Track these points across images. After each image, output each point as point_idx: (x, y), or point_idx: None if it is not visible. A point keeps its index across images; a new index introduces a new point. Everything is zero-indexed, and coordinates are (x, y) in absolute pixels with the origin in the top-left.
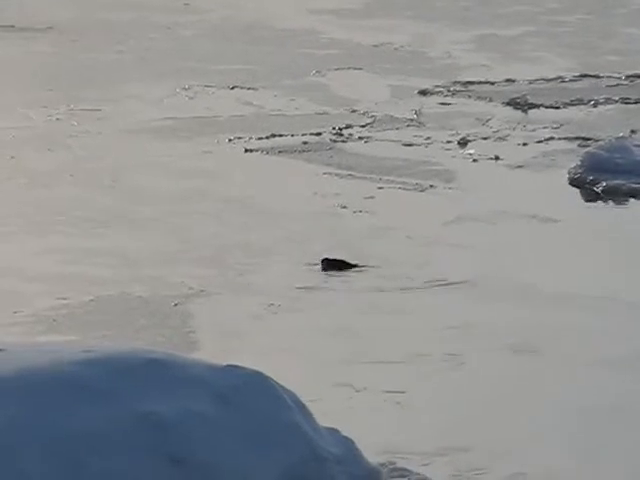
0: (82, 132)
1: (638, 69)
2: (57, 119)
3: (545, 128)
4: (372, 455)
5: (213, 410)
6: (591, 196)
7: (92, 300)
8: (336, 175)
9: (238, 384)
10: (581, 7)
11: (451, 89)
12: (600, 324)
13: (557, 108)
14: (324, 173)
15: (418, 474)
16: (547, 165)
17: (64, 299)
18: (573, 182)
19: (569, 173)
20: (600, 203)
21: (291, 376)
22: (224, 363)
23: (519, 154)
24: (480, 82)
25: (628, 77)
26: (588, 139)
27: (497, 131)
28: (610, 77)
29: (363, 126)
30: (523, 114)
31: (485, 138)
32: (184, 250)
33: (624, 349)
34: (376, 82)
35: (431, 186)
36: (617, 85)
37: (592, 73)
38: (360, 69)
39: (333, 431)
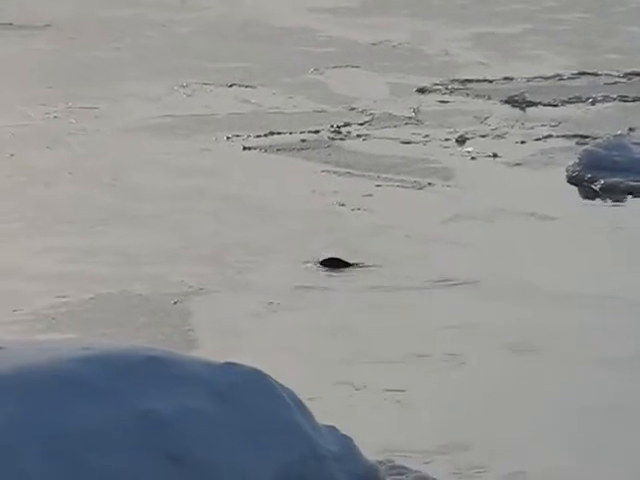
0: (80, 130)
1: (636, 67)
2: (55, 117)
3: (543, 126)
4: (372, 453)
5: (211, 408)
6: (589, 194)
7: (92, 298)
8: (334, 173)
9: (236, 382)
10: (579, 5)
11: (449, 87)
12: (600, 323)
13: (555, 106)
14: (322, 171)
15: (416, 471)
16: (545, 163)
17: (64, 297)
18: (571, 180)
19: (567, 171)
20: (598, 201)
21: (291, 374)
22: (223, 361)
23: (517, 152)
24: (478, 80)
25: (626, 75)
26: (586, 137)
27: (495, 129)
28: (608, 75)
29: (361, 124)
30: (521, 112)
31: (483, 136)
32: (184, 248)
33: (624, 348)
34: (374, 80)
35: (429, 184)
36: (615, 83)
37: (590, 71)
38: (358, 67)
39: (332, 429)
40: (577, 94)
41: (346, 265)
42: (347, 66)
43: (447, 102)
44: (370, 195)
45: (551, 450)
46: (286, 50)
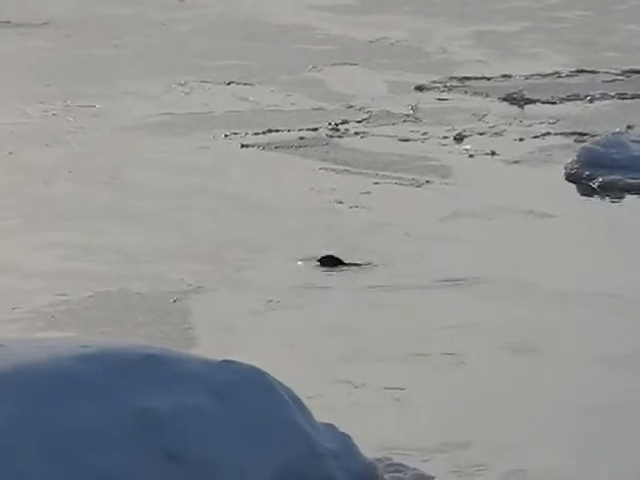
0: (79, 128)
1: (635, 65)
2: (54, 115)
3: (541, 123)
4: (372, 451)
5: (209, 405)
6: (587, 191)
7: (91, 296)
8: (332, 170)
9: (234, 379)
10: (580, 3)
11: (447, 84)
12: (599, 321)
13: (553, 103)
14: (320, 168)
15: (414, 469)
16: (543, 160)
17: (63, 295)
18: (569, 177)
19: (565, 168)
20: (596, 198)
21: (290, 372)
22: (221, 359)
23: (515, 149)
24: (476, 78)
25: (624, 72)
26: (584, 134)
27: (493, 126)
28: (606, 72)
29: (359, 121)
30: (519, 109)
31: (481, 133)
32: (182, 246)
33: (623, 346)
34: (372, 78)
35: (427, 181)
36: (613, 80)
37: (589, 69)
38: (356, 65)
39: (330, 427)
40: (575, 92)
41: (344, 264)
42: (345, 64)
43: (445, 100)
44: (368, 193)
45: (551, 449)
46: (284, 48)
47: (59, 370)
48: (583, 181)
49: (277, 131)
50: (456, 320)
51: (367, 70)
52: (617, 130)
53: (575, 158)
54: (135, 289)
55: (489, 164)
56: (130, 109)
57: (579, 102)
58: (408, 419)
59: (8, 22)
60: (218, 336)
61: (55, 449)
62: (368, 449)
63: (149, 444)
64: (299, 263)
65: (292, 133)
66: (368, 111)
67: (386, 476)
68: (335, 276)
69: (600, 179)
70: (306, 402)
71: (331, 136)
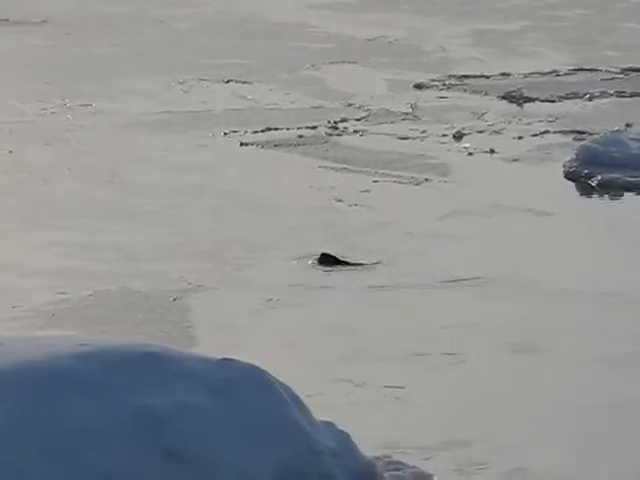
0: (78, 126)
1: (634, 63)
2: (52, 113)
3: (540, 122)
4: (373, 450)
5: (208, 404)
6: (586, 190)
7: (91, 295)
8: (331, 169)
9: (233, 378)
10: (580, 2)
11: (446, 83)
12: (598, 320)
13: (552, 102)
14: (319, 167)
15: (413, 467)
16: (542, 159)
17: (63, 294)
18: (568, 176)
19: (564, 167)
20: (595, 197)
21: (290, 371)
22: (220, 357)
23: (514, 148)
24: (475, 76)
25: (623, 70)
26: (583, 132)
27: (492, 125)
28: (605, 71)
29: (358, 120)
30: (518, 108)
31: (480, 132)
32: (182, 244)
33: (623, 345)
34: (371, 76)
35: (426, 180)
36: (612, 79)
37: (588, 67)
38: (355, 63)
39: (329, 425)
40: (574, 90)
41: (344, 263)
42: (344, 62)
43: (444, 98)
44: (367, 191)
45: (551, 447)
46: (283, 46)
47: (58, 368)
48: (582, 179)
49: (276, 129)
50: (456, 319)
51: (366, 68)
52: (616, 128)
53: (574, 156)
54: (135, 287)
55: (488, 162)
56: (129, 107)
57: (578, 100)
58: (408, 418)
59: (6, 20)
60: (218, 335)
61: (54, 447)
62: (369, 448)
63: (148, 442)
64: (299, 262)
65: (291, 131)
66: (367, 109)
67: (385, 474)
68: (335, 275)
69: (599, 177)
70: (306, 401)
71: (330, 134)
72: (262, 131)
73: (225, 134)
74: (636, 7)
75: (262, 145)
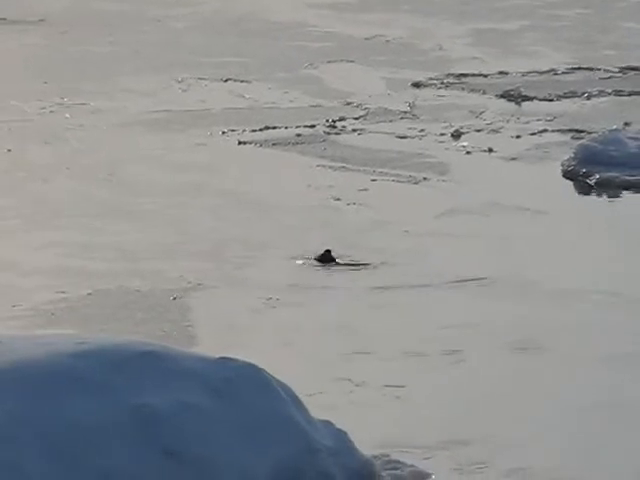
0: (77, 125)
1: (632, 62)
2: (51, 112)
3: (538, 120)
4: (373, 449)
5: (206, 402)
6: (584, 188)
7: (90, 294)
8: (330, 167)
9: (231, 376)
10: (580, 1)
11: (445, 81)
12: (598, 319)
13: (550, 100)
14: (318, 165)
15: (411, 466)
16: (540, 157)
17: (62, 293)
18: (566, 174)
19: (562, 165)
20: (593, 195)
21: (290, 370)
22: (218, 356)
23: (512, 146)
24: (474, 74)
25: (622, 69)
26: (581, 131)
27: (490, 123)
28: (604, 70)
29: (357, 118)
30: (516, 106)
31: (479, 130)
32: (181, 243)
33: (623, 344)
34: (370, 75)
35: (425, 178)
36: (610, 77)
37: (585, 65)
38: (353, 62)
39: (327, 423)
40: (572, 89)
41: (344, 264)
42: (342, 61)
43: (442, 96)
44: (366, 190)
45: (551, 447)
46: (282, 45)
47: (57, 367)
48: (580, 178)
49: (274, 128)
50: (455, 318)
51: (364, 67)
52: (614, 127)
53: (572, 155)
54: (134, 286)
55: (486, 161)
56: (127, 106)
57: (576, 99)
58: (408, 417)
59: (4, 19)
60: (218, 334)
61: (54, 446)
62: (369, 447)
63: (147, 441)
64: (298, 261)
65: (289, 130)
66: (365, 108)
67: (383, 473)
68: (334, 274)
69: (597, 176)
70: (306, 400)
71: (328, 133)
72: (260, 130)
73: (223, 133)
74: (636, 7)
75: (260, 144)
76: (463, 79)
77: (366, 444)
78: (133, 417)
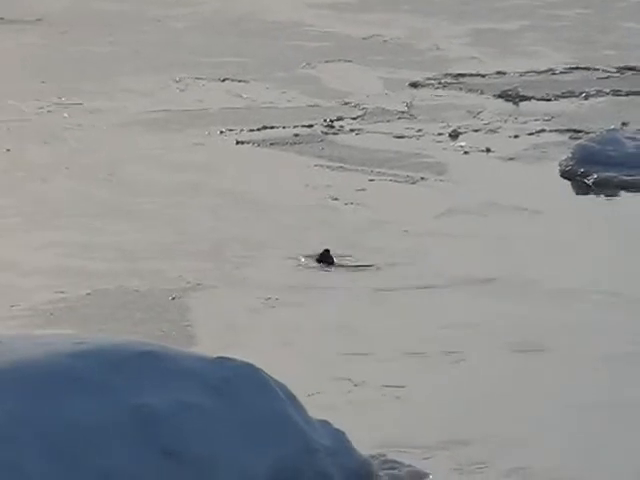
0: (75, 125)
1: (630, 62)
2: (49, 112)
3: (536, 120)
4: (372, 449)
5: (205, 402)
6: (582, 188)
7: (89, 294)
8: (327, 167)
9: (229, 376)
10: (580, 1)
11: (442, 81)
12: (598, 319)
13: (548, 100)
14: (315, 165)
15: (409, 466)
16: (538, 157)
17: (61, 293)
18: (564, 174)
19: (560, 165)
20: (591, 195)
21: (290, 370)
22: (216, 355)
23: (510, 146)
24: (471, 75)
25: (619, 69)
26: (579, 131)
27: (488, 123)
28: (601, 69)
29: (354, 118)
30: (514, 106)
31: (476, 130)
32: (180, 243)
33: (622, 343)
34: (367, 75)
35: (422, 178)
36: (608, 77)
37: (583, 65)
38: (350, 62)
39: (324, 423)
40: (570, 89)
41: (340, 263)
42: (340, 60)
43: (440, 96)
44: (363, 189)
45: (551, 447)
46: (280, 45)
47: (56, 367)
48: (578, 178)
49: (272, 128)
50: (455, 318)
51: (362, 67)
52: (612, 127)
53: (570, 155)
54: (133, 286)
55: (484, 161)
56: (125, 106)
57: (574, 99)
58: (408, 417)
59: (1, 19)
60: (217, 334)
61: (53, 446)
62: (368, 447)
63: (146, 441)
64: (297, 260)
65: (287, 130)
66: (363, 108)
67: (381, 473)
68: (333, 273)
69: (595, 176)
70: (305, 400)
71: (326, 133)
72: (258, 130)
73: (221, 132)
74: (636, 7)
75: (258, 144)
76: (461, 79)
77: (366, 444)
78: (132, 417)
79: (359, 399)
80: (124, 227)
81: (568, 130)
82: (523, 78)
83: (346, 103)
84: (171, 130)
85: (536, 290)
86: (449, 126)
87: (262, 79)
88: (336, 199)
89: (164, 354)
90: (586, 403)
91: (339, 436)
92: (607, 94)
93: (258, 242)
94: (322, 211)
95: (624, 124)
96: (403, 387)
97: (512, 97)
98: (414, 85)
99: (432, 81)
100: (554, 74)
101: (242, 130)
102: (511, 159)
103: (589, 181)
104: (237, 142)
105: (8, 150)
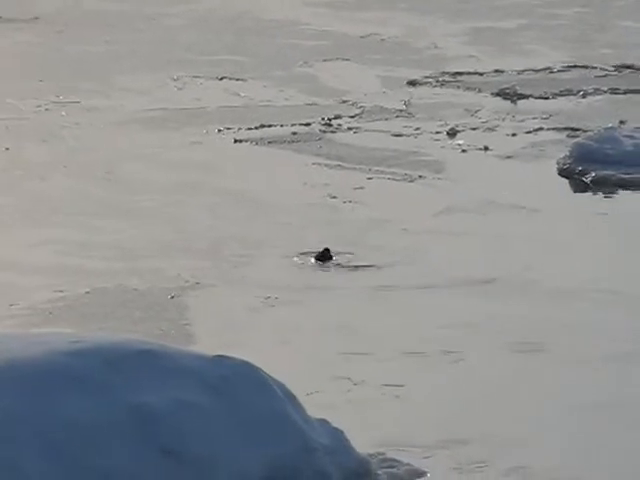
0: (73, 123)
1: (628, 60)
2: (47, 110)
3: (534, 119)
4: (372, 448)
5: (204, 401)
6: (580, 186)
7: (88, 292)
8: (325, 166)
9: (227, 375)
10: (578, 0)
11: (440, 80)
12: (597, 318)
13: (546, 99)
14: (313, 164)
15: (407, 464)
16: (536, 155)
17: (60, 291)
18: (562, 172)
19: (558, 163)
20: (589, 193)
21: (289, 369)
22: (214, 354)
23: (508, 144)
24: (469, 73)
25: (617, 67)
26: (577, 129)
27: (486, 122)
28: (599, 68)
29: (352, 117)
30: (512, 105)
31: (474, 128)
32: (179, 242)
33: (621, 342)
34: (365, 73)
35: (420, 177)
36: (606, 76)
37: (581, 63)
38: (348, 60)
39: (323, 422)
40: (568, 87)
41: (340, 262)
42: (338, 59)
43: (438, 95)
44: (361, 188)
45: (551, 446)
46: (277, 43)
47: (54, 365)
48: (576, 176)
49: (270, 126)
50: (454, 317)
51: (360, 65)
52: (610, 125)
53: (568, 153)
54: (132, 285)
55: (482, 159)
56: (123, 104)
57: (572, 97)
58: (408, 416)
59: None
60: (216, 332)
61: (51, 445)
62: (368, 446)
63: (145, 440)
64: (296, 259)
65: (285, 128)
66: (361, 106)
67: (379, 471)
68: (332, 272)
69: (593, 174)
70: (304, 399)
71: (324, 131)
72: (256, 128)
73: (219, 131)
74: (634, 5)
75: (256, 142)
76: (459, 77)
77: (365, 443)
78: (130, 415)
79: (358, 398)
80: (123, 225)
81: (566, 128)
82: (521, 76)
83: (344, 101)
84: (169, 128)
85: (535, 289)
86: (447, 124)
87: (260, 77)
88: (334, 197)
89: (162, 353)
90: (586, 403)
91: (337, 435)
92: (605, 92)
93: (256, 241)
94: (321, 209)
95: (622, 122)
96: (402, 386)
97: (510, 95)
98: (412, 83)
99: (430, 79)
100: (552, 72)
101: (240, 128)
102: (509, 157)
103: (587, 179)
104: (235, 140)
105: (7, 149)
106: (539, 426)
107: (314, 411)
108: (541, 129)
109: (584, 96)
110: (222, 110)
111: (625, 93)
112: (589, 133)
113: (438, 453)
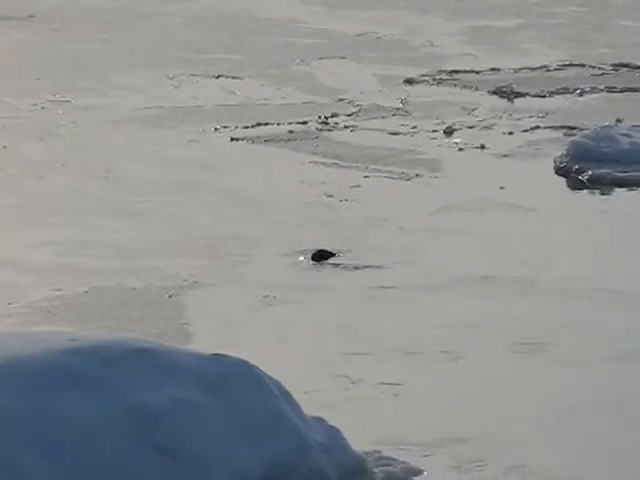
0: (70, 122)
1: (624, 58)
2: (43, 108)
3: (531, 117)
4: (370, 446)
5: (200, 399)
6: (577, 185)
7: (86, 291)
8: (322, 164)
9: (224, 373)
10: None
11: (437, 78)
12: (596, 316)
13: (543, 97)
14: (310, 162)
15: (403, 462)
16: (533, 154)
17: (58, 290)
18: (559, 171)
19: (555, 162)
20: (586, 192)
21: (287, 368)
22: (211, 352)
23: (505, 143)
24: (466, 71)
25: (614, 66)
26: (574, 128)
27: (483, 120)
28: (596, 66)
29: (349, 115)
30: (509, 103)
31: (471, 127)
32: (177, 241)
33: (620, 341)
34: (362, 71)
35: (417, 175)
36: (603, 74)
37: (578, 62)
38: (345, 58)
39: (319, 420)
40: (565, 85)
41: (337, 261)
42: (335, 57)
43: (435, 93)
44: (358, 186)
45: (550, 445)
46: (274, 42)
47: (51, 364)
48: (572, 175)
49: (267, 125)
50: (453, 315)
51: (356, 64)
52: (606, 124)
53: (564, 152)
54: (130, 284)
55: (478, 158)
56: (119, 103)
57: (568, 96)
58: (406, 414)
59: None
60: (214, 331)
61: (48, 443)
62: (365, 444)
63: (142, 438)
64: (293, 258)
65: (282, 127)
66: (358, 105)
67: (376, 469)
68: (330, 271)
69: (589, 172)
70: (302, 397)
71: (321, 130)
72: (252, 126)
73: (216, 129)
74: (632, 5)
75: (253, 140)
76: (455, 76)
77: (362, 441)
78: (127, 414)
79: (356, 397)
80: (121, 224)
81: (562, 127)
82: (518, 75)
83: (340, 100)
84: (165, 127)
85: (534, 287)
86: (444, 123)
87: (256, 76)
88: (331, 196)
89: (159, 351)
90: (586, 402)
91: (333, 433)
92: (601, 91)
93: (254, 239)
94: (318, 208)
95: (618, 121)
96: (400, 385)
97: (507, 94)
98: (408, 82)
99: (427, 78)
100: (549, 71)
101: (236, 127)
102: (506, 156)
103: (583, 178)
104: (232, 139)
105: (4, 147)
106: (538, 425)
107: (311, 409)
108: (538, 127)
109: (581, 94)
110: (219, 108)
111: (622, 91)
112: (586, 131)
113: (436, 452)
